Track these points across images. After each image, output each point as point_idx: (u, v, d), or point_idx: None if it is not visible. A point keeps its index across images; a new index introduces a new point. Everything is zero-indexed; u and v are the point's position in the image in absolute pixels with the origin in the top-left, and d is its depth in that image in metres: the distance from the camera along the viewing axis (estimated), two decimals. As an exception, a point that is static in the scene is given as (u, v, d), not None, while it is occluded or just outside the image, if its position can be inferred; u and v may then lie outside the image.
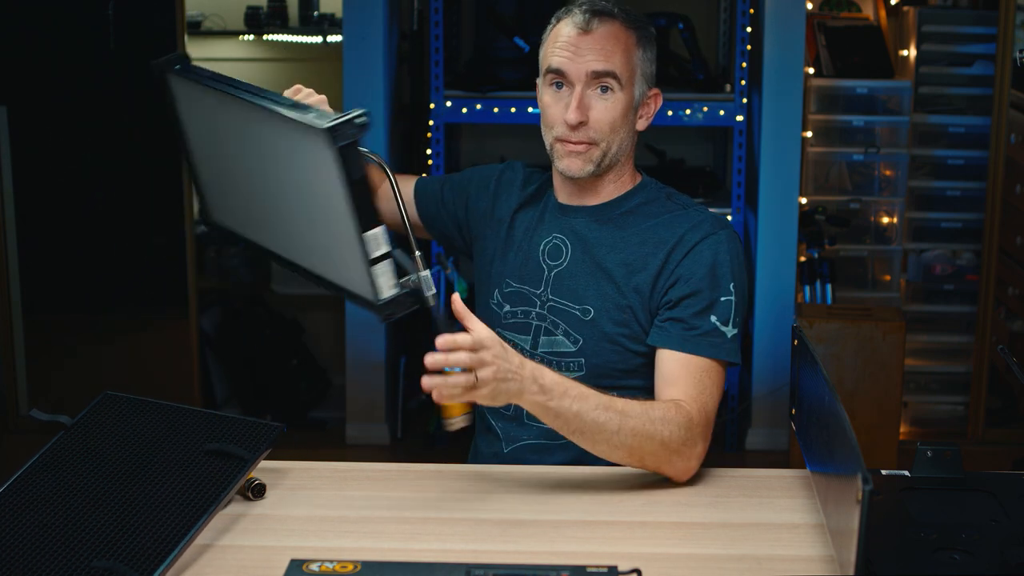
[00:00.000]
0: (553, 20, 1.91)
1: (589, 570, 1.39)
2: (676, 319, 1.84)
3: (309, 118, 1.54)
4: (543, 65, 1.91)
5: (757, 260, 4.02)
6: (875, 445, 3.62)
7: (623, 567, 1.40)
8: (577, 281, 1.92)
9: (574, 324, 1.91)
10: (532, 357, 1.91)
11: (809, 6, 4.03)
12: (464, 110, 3.91)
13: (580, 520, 1.66)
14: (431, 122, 3.92)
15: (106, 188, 4.18)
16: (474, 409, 1.84)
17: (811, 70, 4.18)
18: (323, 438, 4.20)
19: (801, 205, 4.07)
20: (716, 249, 1.87)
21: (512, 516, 1.67)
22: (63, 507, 1.55)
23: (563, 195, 1.99)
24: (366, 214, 1.55)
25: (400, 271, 1.61)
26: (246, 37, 4.60)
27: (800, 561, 1.53)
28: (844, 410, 1.43)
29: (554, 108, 1.89)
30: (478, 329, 1.60)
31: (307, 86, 1.86)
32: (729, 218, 3.92)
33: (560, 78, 1.87)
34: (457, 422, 1.67)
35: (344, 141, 1.50)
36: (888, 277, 4.34)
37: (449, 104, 3.91)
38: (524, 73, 3.81)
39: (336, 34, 4.44)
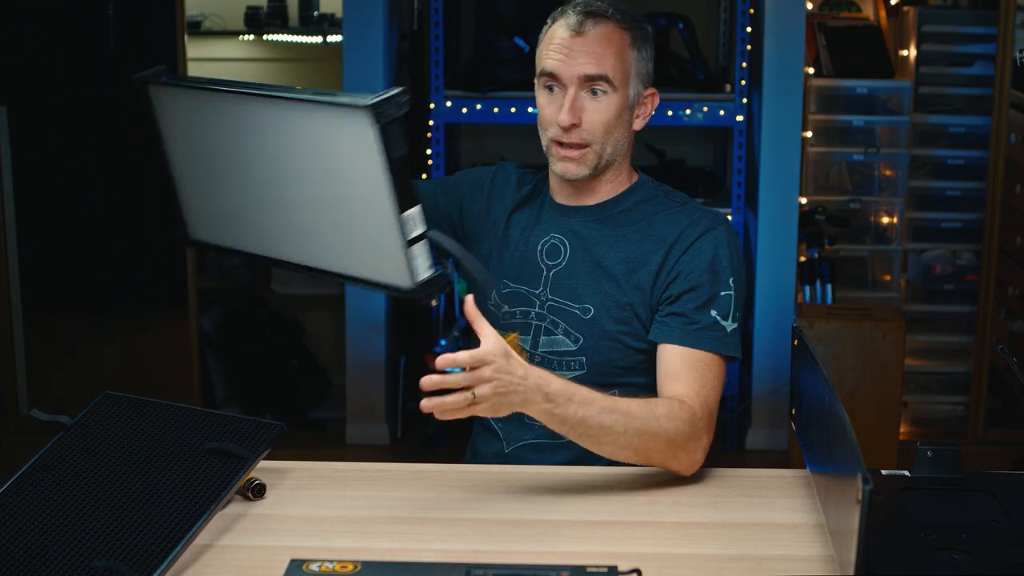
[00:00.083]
0: (548, 21, 1.91)
1: (589, 570, 1.39)
2: (677, 314, 1.85)
3: (345, 99, 1.51)
4: (538, 67, 1.90)
5: (757, 260, 4.02)
6: (875, 445, 3.62)
7: (623, 567, 1.40)
8: (576, 280, 1.92)
9: (574, 323, 1.91)
10: (532, 358, 1.91)
11: (809, 6, 4.03)
12: (464, 110, 3.91)
13: (580, 520, 1.65)
14: (431, 122, 3.92)
15: (106, 188, 4.18)
16: None
17: (811, 70, 4.18)
18: (323, 438, 4.20)
19: (801, 205, 4.07)
20: (716, 244, 1.87)
21: (512, 516, 1.67)
22: (63, 507, 1.55)
23: (560, 195, 1.99)
24: (405, 193, 1.52)
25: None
26: (246, 37, 4.60)
27: (800, 561, 1.53)
28: (844, 410, 1.43)
29: (548, 110, 1.88)
30: (487, 337, 1.60)
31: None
32: (729, 218, 3.91)
33: (553, 80, 1.87)
34: None
35: (387, 119, 1.48)
36: (888, 277, 4.33)
37: (449, 104, 3.91)
38: (524, 73, 3.80)
39: (336, 34, 4.43)
